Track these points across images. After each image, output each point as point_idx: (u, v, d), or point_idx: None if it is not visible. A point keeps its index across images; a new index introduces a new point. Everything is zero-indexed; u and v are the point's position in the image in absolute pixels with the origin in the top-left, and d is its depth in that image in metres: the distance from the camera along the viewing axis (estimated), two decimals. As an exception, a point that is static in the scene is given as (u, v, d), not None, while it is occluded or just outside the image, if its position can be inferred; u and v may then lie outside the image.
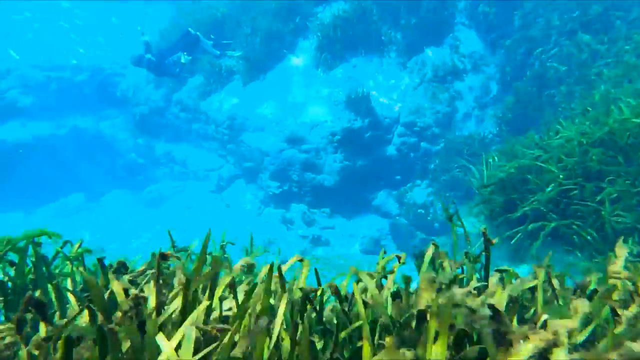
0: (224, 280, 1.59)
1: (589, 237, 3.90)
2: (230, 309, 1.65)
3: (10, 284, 2.29)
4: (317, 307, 1.65)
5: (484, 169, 6.24)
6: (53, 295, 2.26)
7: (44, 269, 2.36)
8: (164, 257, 1.70)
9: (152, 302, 1.51)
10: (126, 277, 2.09)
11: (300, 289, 1.59)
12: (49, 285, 2.31)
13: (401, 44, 10.68)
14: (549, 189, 4.11)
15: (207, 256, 2.31)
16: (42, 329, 1.48)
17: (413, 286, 1.64)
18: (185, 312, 1.46)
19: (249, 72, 10.91)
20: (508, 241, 4.24)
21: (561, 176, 4.16)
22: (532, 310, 1.75)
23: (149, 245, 9.01)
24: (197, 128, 12.19)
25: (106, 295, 1.81)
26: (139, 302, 1.34)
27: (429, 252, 1.85)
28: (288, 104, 10.39)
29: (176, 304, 1.50)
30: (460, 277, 1.90)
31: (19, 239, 2.39)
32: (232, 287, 1.61)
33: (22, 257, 2.34)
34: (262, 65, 10.86)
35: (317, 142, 10.04)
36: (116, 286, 1.51)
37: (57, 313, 2.10)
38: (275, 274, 1.64)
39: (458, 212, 2.41)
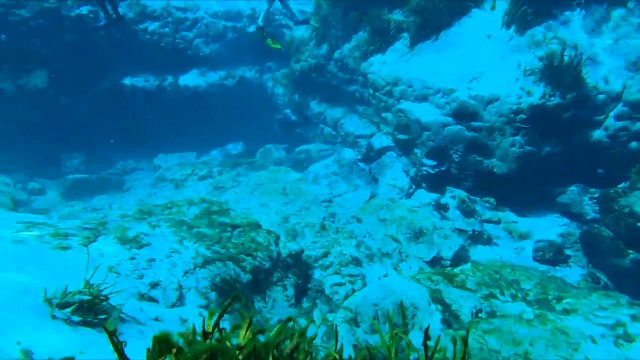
0: None
1: None
2: None
3: None
4: None
5: None
6: None
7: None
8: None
9: None
10: None
11: None
12: None
13: (642, -11, 7.57)
14: None
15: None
16: None
17: None
18: None
19: (420, 30, 9.25)
20: None
21: None
22: None
23: (298, 218, 8.79)
24: (352, 90, 11.32)
25: None
26: None
27: None
28: (462, 71, 8.55)
29: None
30: None
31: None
32: None
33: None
34: (437, 21, 9.07)
35: (493, 121, 8.12)
36: None
37: None
38: None
39: None
